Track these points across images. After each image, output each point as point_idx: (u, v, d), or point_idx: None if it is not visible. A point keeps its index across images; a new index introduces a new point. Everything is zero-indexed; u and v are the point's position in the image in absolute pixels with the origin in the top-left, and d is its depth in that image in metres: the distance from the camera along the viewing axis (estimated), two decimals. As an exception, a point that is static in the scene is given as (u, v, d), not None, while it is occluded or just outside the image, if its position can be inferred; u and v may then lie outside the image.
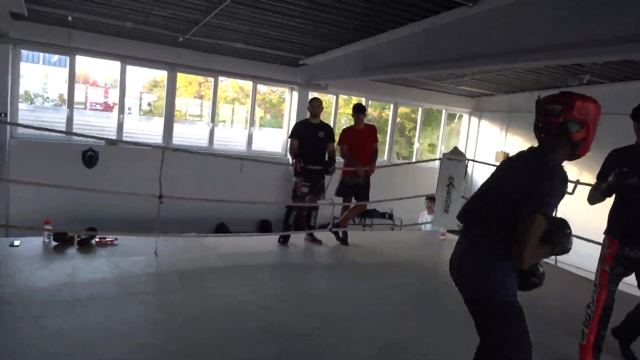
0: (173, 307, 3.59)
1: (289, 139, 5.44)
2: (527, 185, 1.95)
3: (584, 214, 9.09)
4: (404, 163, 10.91)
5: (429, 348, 3.31)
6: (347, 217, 5.80)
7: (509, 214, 1.94)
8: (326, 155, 5.49)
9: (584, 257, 7.73)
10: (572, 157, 2.12)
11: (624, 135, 9.36)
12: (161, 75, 8.84)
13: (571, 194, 7.70)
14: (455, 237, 6.46)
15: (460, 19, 5.31)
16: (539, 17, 4.65)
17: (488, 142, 12.02)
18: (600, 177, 3.16)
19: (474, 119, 12.46)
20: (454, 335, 3.44)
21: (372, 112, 12.40)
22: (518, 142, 11.23)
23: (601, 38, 4.20)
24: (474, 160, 10.62)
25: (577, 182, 6.40)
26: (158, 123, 8.84)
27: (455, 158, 6.35)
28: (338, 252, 5.57)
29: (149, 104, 9.76)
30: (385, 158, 11.27)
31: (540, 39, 4.70)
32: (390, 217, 10.56)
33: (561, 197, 1.98)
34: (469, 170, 12.32)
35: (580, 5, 4.31)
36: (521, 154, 2.22)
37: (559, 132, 2.07)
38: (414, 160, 11.79)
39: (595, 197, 3.14)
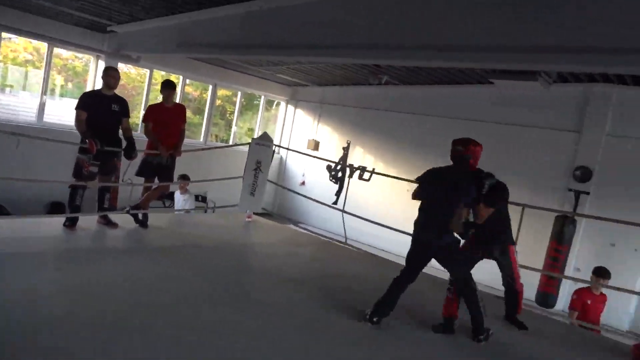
0: None
1: (76, 110, 4.83)
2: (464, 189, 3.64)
3: (378, 200, 10.35)
4: (217, 147, 10.86)
5: (234, 331, 3.32)
6: (148, 198, 5.53)
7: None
8: (120, 133, 5.10)
9: (373, 238, 8.87)
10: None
11: (414, 131, 10.74)
12: None
13: (367, 180, 8.68)
14: (262, 219, 6.69)
15: (280, 7, 5.46)
16: (357, 15, 4.99)
17: (302, 130, 12.75)
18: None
19: (291, 107, 13.07)
20: (257, 318, 3.54)
21: (192, 91, 12.04)
22: (328, 132, 12.16)
23: (399, 43, 4.74)
24: (287, 149, 11.17)
25: (373, 171, 7.25)
26: None
27: (263, 143, 6.57)
28: (134, 235, 5.29)
29: None
30: (202, 140, 11.09)
31: (349, 37, 5.08)
32: (204, 199, 10.46)
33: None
34: (284, 156, 12.92)
35: (393, 9, 4.75)
36: (449, 170, 3.79)
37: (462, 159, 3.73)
38: (231, 143, 11.85)
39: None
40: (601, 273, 5.09)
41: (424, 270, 3.88)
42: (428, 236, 3.74)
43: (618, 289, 5.00)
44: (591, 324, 4.94)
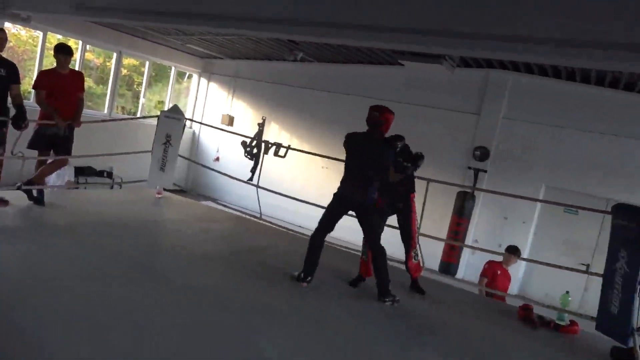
0: None
1: None
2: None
3: (293, 176, 10.40)
4: (122, 119, 10.23)
5: (145, 308, 3.20)
6: (44, 173, 5.07)
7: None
8: (8, 101, 4.60)
9: (289, 214, 8.94)
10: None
11: (328, 108, 10.90)
12: None
13: (283, 157, 8.69)
14: (173, 196, 6.44)
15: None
16: None
17: (216, 105, 12.38)
18: None
19: (204, 80, 12.61)
20: (164, 298, 3.43)
21: (94, 59, 11.14)
22: (242, 107, 11.94)
23: (311, 19, 4.68)
24: (200, 123, 10.80)
25: (289, 147, 7.25)
26: None
27: (173, 116, 6.28)
28: (29, 214, 4.84)
29: None
30: (106, 112, 10.34)
31: (265, 10, 4.93)
32: (110, 175, 9.84)
33: None
34: (196, 131, 12.49)
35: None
36: (366, 134, 4.13)
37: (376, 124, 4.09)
38: (139, 115, 11.21)
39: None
40: (513, 250, 5.64)
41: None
42: (354, 195, 4.03)
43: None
44: (498, 291, 5.45)
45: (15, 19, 7.88)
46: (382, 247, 4.08)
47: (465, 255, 8.47)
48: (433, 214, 5.48)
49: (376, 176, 4.05)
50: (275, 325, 3.34)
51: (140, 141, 7.80)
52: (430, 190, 5.23)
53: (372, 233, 4.14)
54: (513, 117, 8.66)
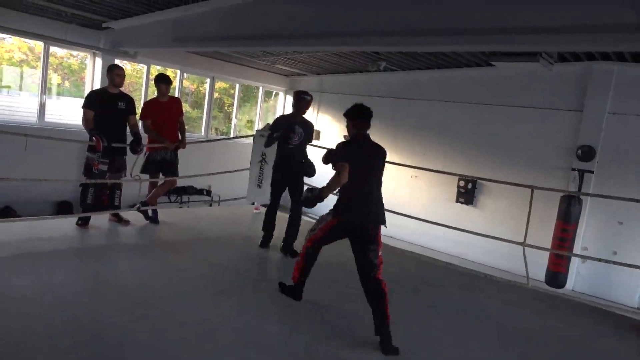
0: None
1: (83, 110, 4.83)
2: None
3: (384, 186, 10.33)
4: (220, 139, 10.83)
5: (244, 325, 3.33)
6: (156, 194, 5.54)
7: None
8: (127, 130, 5.09)
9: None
10: None
11: (415, 116, 10.78)
12: None
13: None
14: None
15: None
16: (338, 3, 4.99)
17: (302, 120, 12.66)
18: None
19: (289, 97, 13.01)
20: (267, 310, 3.57)
21: (189, 85, 11.96)
22: (327, 120, 12.13)
23: (395, 28, 4.71)
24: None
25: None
26: None
27: (267, 134, 6.53)
28: (147, 232, 5.30)
29: None
30: (203, 133, 11.05)
31: (347, 25, 5.05)
32: (208, 193, 10.46)
33: None
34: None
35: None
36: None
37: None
38: (232, 136, 11.81)
39: None
40: None
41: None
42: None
43: (629, 265, 5.03)
44: None
45: (125, 55, 8.77)
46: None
47: (575, 264, 7.84)
48: (535, 219, 5.13)
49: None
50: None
51: (233, 159, 8.21)
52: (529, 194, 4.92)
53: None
54: (621, 112, 7.92)
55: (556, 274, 7.42)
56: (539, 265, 7.14)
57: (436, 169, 6.68)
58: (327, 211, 3.62)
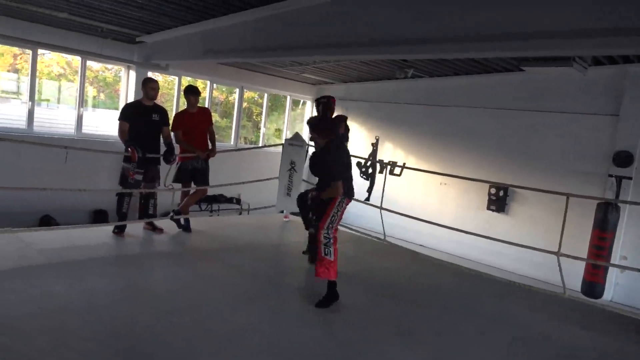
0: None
1: (119, 122, 5.01)
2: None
3: (410, 193, 10.27)
4: (249, 148, 10.98)
5: (275, 332, 3.37)
6: (188, 203, 5.66)
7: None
8: (161, 140, 5.24)
9: (409, 232, 8.84)
10: None
11: (443, 123, 10.65)
12: (-39, 43, 7.44)
13: (399, 175, 8.66)
14: (299, 219, 6.73)
15: (300, 9, 5.50)
16: (374, 13, 5.01)
17: (330, 128, 12.70)
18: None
19: (317, 106, 13.07)
20: (299, 318, 3.60)
21: (218, 95, 12.19)
22: (355, 128, 12.12)
23: (424, 37, 4.69)
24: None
25: (404, 166, 7.22)
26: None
27: (296, 143, 6.60)
28: (179, 240, 5.42)
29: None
30: (232, 143, 11.23)
31: (368, 34, 5.09)
32: (238, 201, 10.60)
33: None
34: (310, 154, 12.92)
35: (411, 5, 4.74)
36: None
37: None
38: (260, 145, 11.95)
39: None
40: None
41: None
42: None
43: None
44: None
45: (157, 68, 9.02)
46: None
47: (613, 274, 7.57)
48: (570, 227, 4.98)
49: None
50: (415, 346, 3.29)
51: (262, 168, 8.31)
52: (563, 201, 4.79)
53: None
54: (659, 115, 7.66)
55: (593, 284, 7.17)
56: (574, 275, 6.93)
57: (466, 176, 6.61)
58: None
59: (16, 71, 8.58)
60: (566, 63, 6.77)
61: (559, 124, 8.54)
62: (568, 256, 4.72)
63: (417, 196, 10.18)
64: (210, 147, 5.66)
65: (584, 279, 7.27)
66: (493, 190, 9.14)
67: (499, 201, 9.11)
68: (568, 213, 4.81)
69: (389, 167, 6.98)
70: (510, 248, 5.70)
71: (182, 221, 5.63)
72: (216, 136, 5.98)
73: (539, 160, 8.75)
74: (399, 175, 9.27)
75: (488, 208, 9.24)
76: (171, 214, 5.56)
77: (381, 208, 6.31)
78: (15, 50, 8.22)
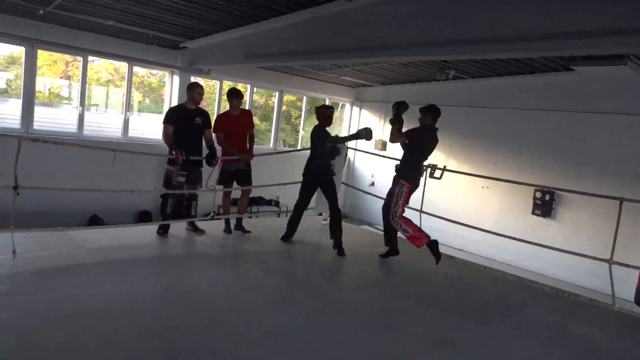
0: (36, 310, 3.25)
1: (163, 125, 5.14)
2: None
3: (451, 197, 10.05)
4: (288, 151, 11.06)
5: (314, 333, 3.37)
6: (243, 205, 5.85)
7: None
8: (203, 143, 5.35)
9: (449, 235, 8.64)
10: None
11: (486, 125, 10.36)
12: (19, 50, 7.87)
13: (439, 178, 8.44)
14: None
15: (339, 12, 5.50)
16: (409, 15, 4.98)
17: (368, 131, 12.65)
18: None
19: (355, 108, 13.05)
20: (337, 320, 3.59)
21: (258, 98, 12.36)
22: (394, 131, 12.00)
23: (467, 37, 4.61)
24: (355, 149, 11.14)
25: (444, 169, 7.06)
26: (15, 105, 7.89)
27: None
28: (221, 241, 5.51)
29: (6, 83, 8.64)
30: (272, 145, 11.35)
31: (411, 35, 5.04)
32: (277, 203, 10.69)
33: None
34: (351, 157, 12.92)
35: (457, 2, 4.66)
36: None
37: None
38: (299, 147, 12.02)
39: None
40: None
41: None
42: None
43: None
44: None
45: (199, 73, 9.25)
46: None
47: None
48: (622, 234, 4.71)
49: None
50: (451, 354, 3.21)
51: (301, 171, 8.32)
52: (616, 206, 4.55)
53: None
54: None
55: (648, 293, 6.78)
56: (627, 284, 6.58)
57: (509, 179, 6.41)
58: (396, 187, 5.07)
59: (68, 78, 9.01)
60: (619, 62, 6.46)
61: (609, 125, 8.16)
62: (621, 264, 4.48)
63: (457, 199, 9.96)
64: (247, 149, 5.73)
65: (637, 289, 6.88)
66: (539, 194, 8.83)
67: (544, 206, 8.79)
68: (622, 219, 4.57)
69: (429, 169, 6.84)
70: (556, 254, 5.48)
71: (236, 222, 5.80)
72: (255, 139, 6.05)
73: (588, 163, 8.39)
74: (439, 178, 9.09)
75: (533, 213, 8.93)
76: (211, 214, 5.66)
77: (421, 211, 6.20)
78: (67, 57, 8.63)
